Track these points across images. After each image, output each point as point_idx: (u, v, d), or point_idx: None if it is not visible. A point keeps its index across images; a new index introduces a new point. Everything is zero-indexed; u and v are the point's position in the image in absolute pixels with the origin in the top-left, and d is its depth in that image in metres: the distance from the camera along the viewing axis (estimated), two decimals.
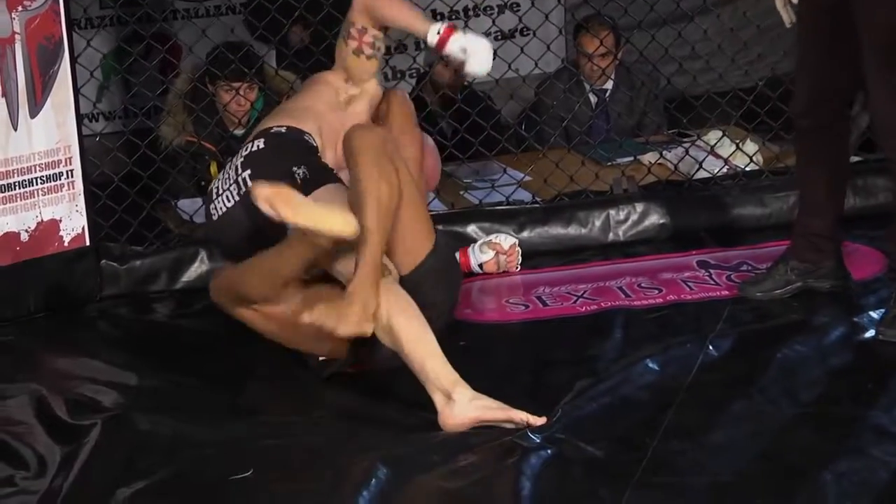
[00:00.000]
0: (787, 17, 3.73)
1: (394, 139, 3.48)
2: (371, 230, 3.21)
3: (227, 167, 3.55)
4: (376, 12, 3.67)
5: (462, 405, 3.16)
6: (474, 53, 3.59)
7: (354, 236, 3.17)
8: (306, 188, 3.36)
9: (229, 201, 3.48)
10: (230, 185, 3.48)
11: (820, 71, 3.67)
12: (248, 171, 3.44)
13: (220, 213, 3.51)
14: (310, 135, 3.55)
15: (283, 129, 3.54)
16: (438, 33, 3.60)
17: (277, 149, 3.49)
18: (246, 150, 3.53)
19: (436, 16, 6.24)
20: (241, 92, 4.88)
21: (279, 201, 3.13)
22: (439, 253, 3.47)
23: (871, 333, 3.61)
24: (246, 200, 3.38)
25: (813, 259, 3.86)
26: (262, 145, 3.51)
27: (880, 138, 3.62)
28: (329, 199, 3.31)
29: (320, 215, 3.14)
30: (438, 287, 3.46)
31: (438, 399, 3.18)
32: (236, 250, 3.58)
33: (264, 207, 3.14)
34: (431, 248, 3.44)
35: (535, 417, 3.15)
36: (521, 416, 3.15)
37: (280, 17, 4.49)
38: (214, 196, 3.53)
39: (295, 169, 3.42)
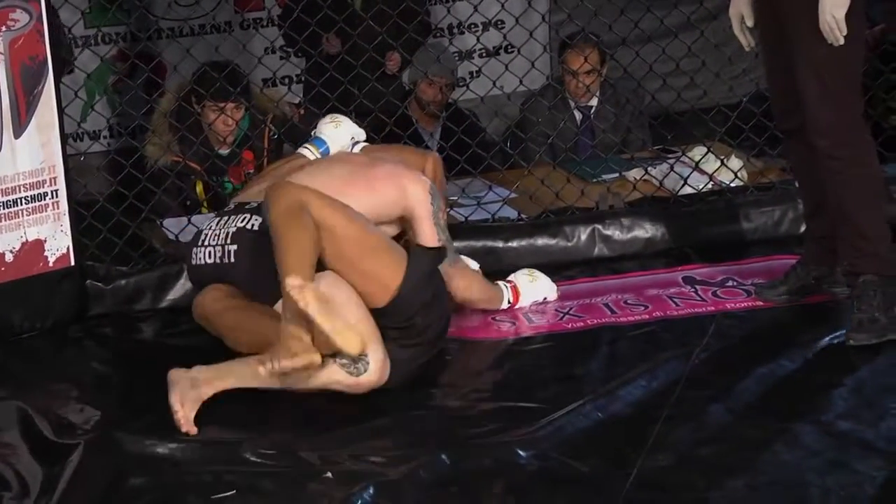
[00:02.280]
0: (746, 41, 3.84)
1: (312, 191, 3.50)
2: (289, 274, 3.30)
3: (223, 221, 3.61)
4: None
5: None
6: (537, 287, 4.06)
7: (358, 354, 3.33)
8: None
9: (210, 258, 3.58)
10: (217, 244, 3.58)
11: (786, 77, 3.70)
12: (235, 247, 3.54)
13: (199, 262, 3.62)
14: None
15: None
16: (510, 301, 4.01)
17: (268, 235, 3.47)
18: (242, 220, 3.58)
19: (430, 33, 6.26)
20: (228, 112, 4.88)
21: (311, 298, 3.22)
22: (410, 278, 3.49)
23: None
24: (221, 268, 3.55)
25: (828, 261, 3.88)
26: (256, 227, 3.53)
27: (817, 136, 3.62)
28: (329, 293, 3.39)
29: (339, 328, 3.25)
30: (421, 308, 3.51)
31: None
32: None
33: (295, 295, 3.22)
34: (403, 275, 3.47)
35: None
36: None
37: (314, 27, 4.54)
38: (200, 241, 3.62)
39: None
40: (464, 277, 3.84)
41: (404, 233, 3.77)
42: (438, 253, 3.69)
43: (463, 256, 4.00)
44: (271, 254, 3.41)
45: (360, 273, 3.43)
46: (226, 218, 3.63)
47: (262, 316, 3.45)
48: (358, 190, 3.62)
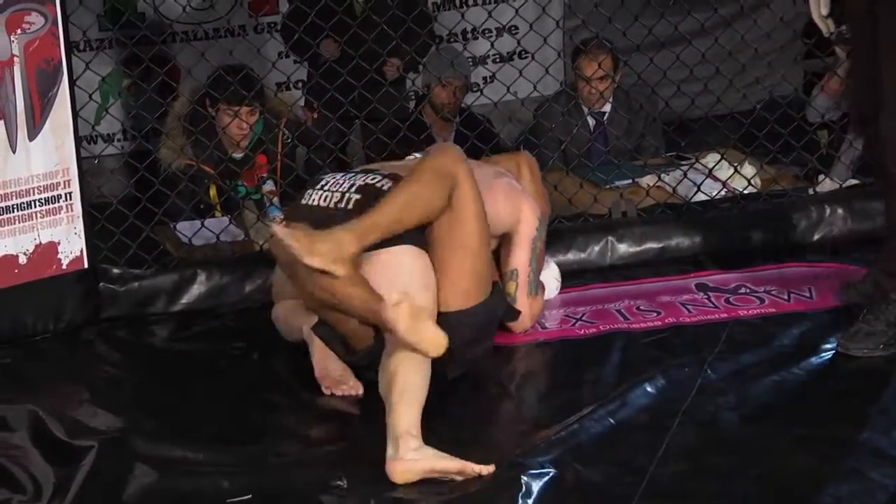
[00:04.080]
0: (825, 28, 3.77)
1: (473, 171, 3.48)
2: (395, 202, 3.32)
3: (350, 175, 3.56)
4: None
5: (406, 455, 3.02)
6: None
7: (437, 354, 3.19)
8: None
9: (324, 202, 3.50)
10: (338, 190, 3.50)
11: (871, 87, 3.64)
12: (359, 196, 3.46)
13: (308, 202, 3.54)
14: None
15: None
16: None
17: None
18: (373, 178, 3.51)
19: (434, 38, 6.26)
20: (242, 116, 4.89)
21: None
22: (476, 310, 3.46)
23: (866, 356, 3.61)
24: (329, 213, 3.44)
25: None
26: (386, 188, 3.46)
27: (891, 164, 3.56)
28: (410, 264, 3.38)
29: (425, 336, 3.16)
30: (461, 343, 3.42)
31: (389, 448, 3.07)
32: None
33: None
34: (487, 296, 3.48)
35: (485, 467, 3.04)
36: (473, 468, 3.03)
37: (312, 32, 4.55)
38: (318, 185, 3.56)
39: None
40: (532, 314, 3.86)
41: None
42: (512, 309, 3.73)
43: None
44: None
45: (446, 275, 3.42)
46: (353, 174, 3.58)
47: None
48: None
